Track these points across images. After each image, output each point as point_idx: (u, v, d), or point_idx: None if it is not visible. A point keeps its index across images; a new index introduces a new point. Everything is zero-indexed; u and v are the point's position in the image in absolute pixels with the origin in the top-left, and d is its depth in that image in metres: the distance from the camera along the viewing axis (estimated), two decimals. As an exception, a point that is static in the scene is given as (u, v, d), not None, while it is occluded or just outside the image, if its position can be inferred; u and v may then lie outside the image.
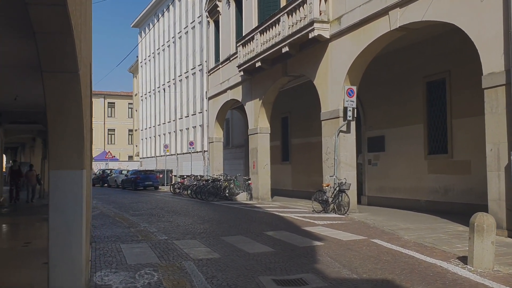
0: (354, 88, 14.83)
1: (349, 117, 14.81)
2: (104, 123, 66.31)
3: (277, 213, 15.52)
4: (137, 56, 54.86)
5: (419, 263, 7.65)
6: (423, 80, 15.52)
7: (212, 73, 26.78)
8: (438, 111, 15.02)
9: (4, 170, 27.16)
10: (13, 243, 11.08)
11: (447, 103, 14.60)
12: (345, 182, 14.67)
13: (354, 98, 14.79)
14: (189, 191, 24.08)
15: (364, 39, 14.01)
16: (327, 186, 15.46)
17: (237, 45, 21.65)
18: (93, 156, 54.90)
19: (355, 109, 14.96)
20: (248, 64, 20.28)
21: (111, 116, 66.92)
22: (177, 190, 26.81)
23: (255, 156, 20.89)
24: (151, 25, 48.25)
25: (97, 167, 48.82)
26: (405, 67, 16.23)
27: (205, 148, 34.12)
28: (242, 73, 21.30)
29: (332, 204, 15.06)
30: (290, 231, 11.56)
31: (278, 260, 8.15)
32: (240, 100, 22.64)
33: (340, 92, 15.04)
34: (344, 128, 15.15)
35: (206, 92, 28.14)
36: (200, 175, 27.08)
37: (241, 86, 22.53)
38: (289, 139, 23.64)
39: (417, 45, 15.47)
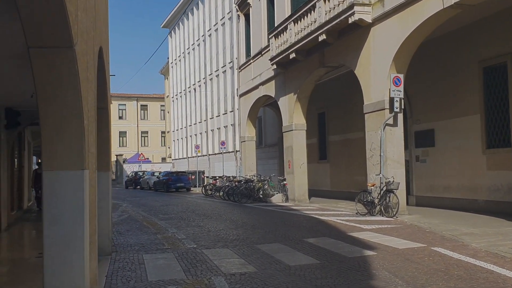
0: (401, 76, 13.31)
1: (396, 108, 13.29)
2: (137, 126, 66.49)
3: (317, 216, 14.15)
4: (168, 58, 54.35)
5: (504, 281, 6.15)
6: (478, 66, 13.82)
7: (243, 69, 25.59)
8: (498, 100, 13.31)
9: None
10: (28, 253, 10.13)
11: (509, 90, 12.88)
12: (393, 181, 13.17)
13: (401, 88, 13.27)
14: (221, 193, 22.97)
15: (412, 20, 12.48)
16: (373, 185, 14.00)
17: (269, 37, 20.37)
18: (127, 158, 54.99)
19: (402, 100, 13.43)
20: (281, 57, 18.96)
21: (144, 119, 67.07)
22: (209, 192, 25.76)
23: (290, 154, 19.55)
24: (180, 25, 47.58)
25: (130, 169, 48.47)
26: (457, 51, 14.56)
27: (237, 148, 32.99)
28: (275, 66, 20.00)
29: (379, 206, 13.58)
30: (335, 237, 10.19)
31: (326, 275, 6.81)
32: (273, 96, 21.34)
33: (385, 81, 13.54)
34: (390, 121, 13.64)
35: (237, 89, 27.00)
36: (232, 176, 25.94)
37: (274, 80, 21.23)
38: (326, 136, 22.17)
39: (471, 26, 13.81)
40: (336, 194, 20.91)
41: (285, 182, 19.79)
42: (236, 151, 33.04)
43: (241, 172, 25.16)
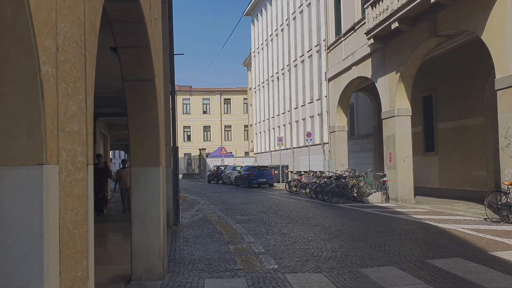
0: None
1: (549, 80, 9.77)
2: (221, 120, 65.79)
3: (433, 224, 10.99)
4: (251, 48, 52.38)
5: None
6: None
7: (332, 49, 22.57)
8: None
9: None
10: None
11: None
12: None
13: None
14: (307, 190, 20.28)
15: None
16: (510, 184, 10.59)
17: (365, 7, 17.24)
18: (209, 152, 53.89)
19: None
20: (380, 28, 15.80)
21: (227, 113, 66.23)
22: (294, 189, 23.14)
23: (391, 145, 16.34)
24: (263, 10, 45.23)
25: (213, 163, 47.25)
26: None
27: (325, 140, 30.00)
28: (371, 41, 16.83)
29: (522, 212, 10.15)
30: (471, 258, 7.18)
31: None
32: (370, 77, 18.18)
33: (531, 44, 10.04)
34: (539, 98, 10.13)
35: (325, 73, 24.03)
36: (319, 171, 23.11)
37: (370, 59, 18.06)
38: (434, 124, 18.58)
39: None
40: (446, 193, 17.37)
41: (385, 179, 16.64)
42: (324, 143, 30.05)
43: (330, 166, 22.23)
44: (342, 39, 20.95)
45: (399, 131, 16.05)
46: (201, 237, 10.13)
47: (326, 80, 23.67)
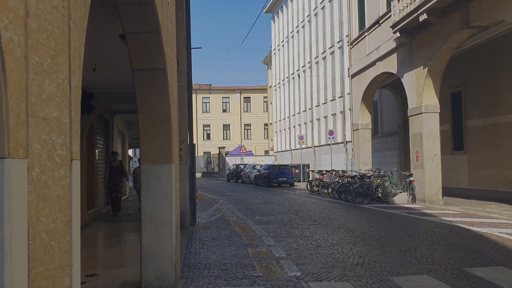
0: None
1: None
2: (241, 118, 65.39)
3: (466, 227, 10.26)
4: (271, 46, 51.70)
5: None
6: None
7: (355, 44, 21.83)
8: None
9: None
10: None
11: None
12: None
13: None
14: (329, 190, 19.61)
15: None
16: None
17: (390, -1, 16.51)
18: (229, 151, 53.44)
19: None
20: (407, 21, 15.05)
21: (247, 111, 65.78)
22: (315, 188, 22.48)
23: (419, 144, 15.58)
24: (284, 7, 44.52)
25: (232, 162, 46.77)
26: None
27: (347, 139, 29.23)
28: (398, 34, 16.08)
29: None
30: (518, 268, 6.47)
31: None
32: (395, 72, 17.41)
33: None
34: None
35: (348, 69, 23.27)
36: (341, 170, 22.38)
37: (395, 53, 17.29)
38: (463, 121, 17.71)
39: None
40: (476, 194, 16.52)
41: (411, 179, 15.88)
42: (346, 142, 29.29)
43: (353, 165, 21.49)
44: (366, 33, 20.20)
45: (427, 129, 15.28)
46: (219, 239, 9.61)
47: (349, 76, 22.93)
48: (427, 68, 14.95)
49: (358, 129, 21.08)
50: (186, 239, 9.46)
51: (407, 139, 22.02)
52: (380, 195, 16.75)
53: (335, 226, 11.12)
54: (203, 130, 65.45)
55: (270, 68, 53.34)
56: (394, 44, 17.13)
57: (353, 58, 22.17)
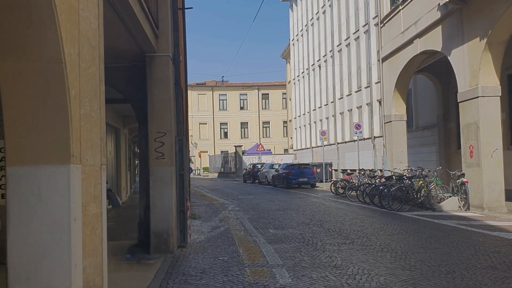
0: None
1: None
2: (259, 116, 62.84)
3: None
4: (290, 37, 48.54)
5: None
6: None
7: (386, 22, 18.66)
8: None
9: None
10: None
11: None
12: None
13: None
14: (358, 192, 16.58)
15: None
16: None
17: (434, -43, 13.37)
18: (246, 149, 50.54)
19: None
20: (458, -20, 11.92)
21: (265, 108, 63.18)
22: (341, 190, 19.43)
23: (473, 136, 12.44)
24: (302, -7, 41.32)
25: (249, 161, 43.90)
26: None
27: (375, 134, 26.00)
28: (444, 0, 12.93)
29: None
30: None
31: None
32: (440, 49, 14.25)
33: None
34: None
35: (378, 52, 20.06)
36: (370, 170, 19.29)
37: (440, 26, 14.14)
38: (524, 109, 14.46)
39: None
40: (544, 198, 13.26)
41: (464, 180, 12.72)
42: (374, 137, 26.06)
43: (385, 164, 18.37)
44: (400, 7, 17.04)
45: (485, 117, 12.13)
46: (210, 273, 6.69)
47: (379, 60, 19.77)
48: (485, 40, 11.79)
49: (390, 121, 17.95)
50: (163, 274, 6.57)
51: (448, 132, 18.82)
52: (421, 199, 13.64)
53: (376, 247, 8.11)
54: (220, 128, 62.87)
55: (289, 62, 50.21)
56: (438, 15, 13.97)
57: (384, 38, 19.00)
